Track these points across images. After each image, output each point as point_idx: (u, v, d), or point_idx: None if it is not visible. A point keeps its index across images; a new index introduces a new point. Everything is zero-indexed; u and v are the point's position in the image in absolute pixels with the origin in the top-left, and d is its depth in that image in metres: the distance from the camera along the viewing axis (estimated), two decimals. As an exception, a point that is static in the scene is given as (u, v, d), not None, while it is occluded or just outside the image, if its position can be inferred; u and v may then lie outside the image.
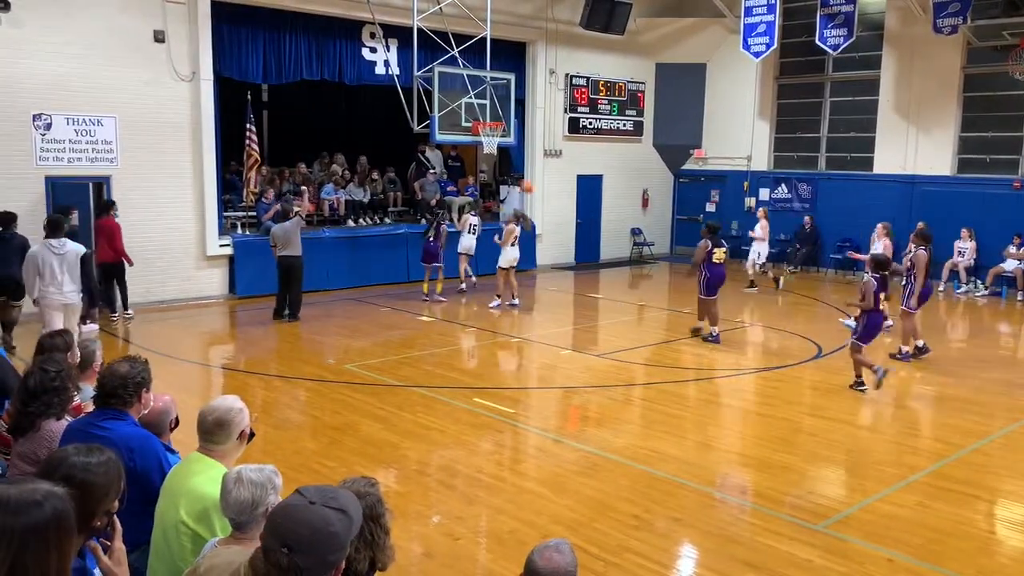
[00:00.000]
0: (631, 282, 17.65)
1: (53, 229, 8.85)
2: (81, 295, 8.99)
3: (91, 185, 12.35)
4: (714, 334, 11.19)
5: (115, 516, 2.69)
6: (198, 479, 3.29)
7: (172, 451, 4.09)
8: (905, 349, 10.40)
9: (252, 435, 3.61)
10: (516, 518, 5.64)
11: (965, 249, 16.07)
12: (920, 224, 13.30)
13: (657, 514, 5.75)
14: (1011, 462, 6.98)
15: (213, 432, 3.43)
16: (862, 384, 8.91)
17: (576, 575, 2.52)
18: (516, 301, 13.57)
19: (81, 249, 9.05)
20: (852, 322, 9.43)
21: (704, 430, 7.81)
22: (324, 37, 14.88)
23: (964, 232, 16.04)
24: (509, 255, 13.51)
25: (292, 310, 12.22)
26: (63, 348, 4.77)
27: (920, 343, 10.41)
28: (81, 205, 11.97)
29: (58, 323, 8.54)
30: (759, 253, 16.28)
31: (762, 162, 19.67)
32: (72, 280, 8.76)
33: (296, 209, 12.36)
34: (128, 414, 3.83)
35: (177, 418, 4.26)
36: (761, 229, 16.19)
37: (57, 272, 8.66)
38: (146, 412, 3.97)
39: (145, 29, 12.67)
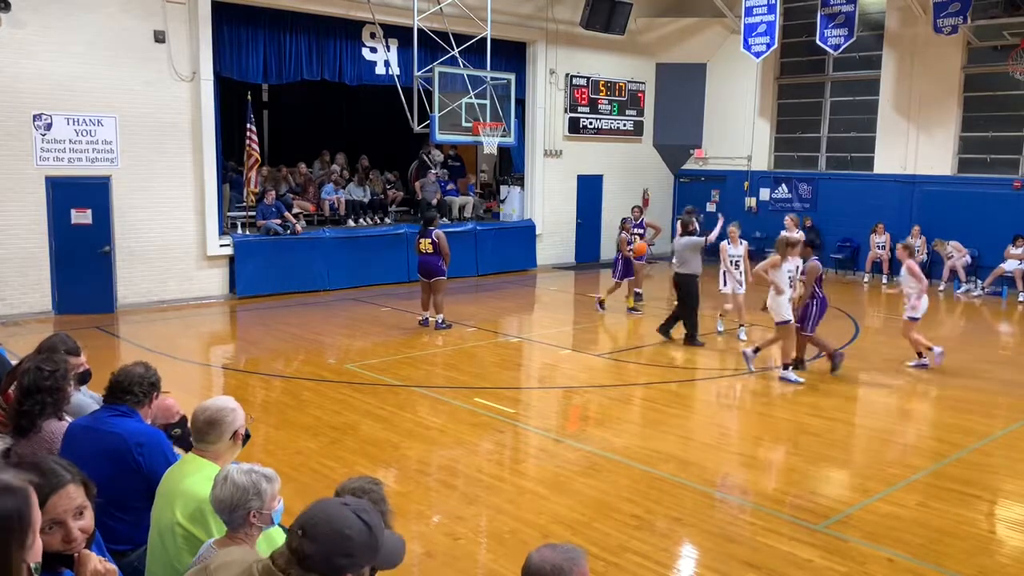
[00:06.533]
0: (631, 282, 17.60)
1: None
2: None
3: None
4: (437, 320, 11.87)
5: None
6: (192, 480, 3.29)
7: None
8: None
9: (248, 437, 3.59)
10: (516, 518, 5.65)
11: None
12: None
13: (657, 514, 5.76)
14: (1011, 462, 6.98)
15: (204, 432, 3.41)
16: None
17: (568, 569, 2.45)
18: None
19: None
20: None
21: (704, 430, 7.81)
22: (324, 37, 14.88)
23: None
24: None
25: (688, 332, 11.02)
26: (64, 350, 4.70)
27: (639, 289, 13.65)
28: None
29: None
30: None
31: (762, 162, 19.67)
32: None
33: (694, 225, 11.35)
34: (138, 413, 3.86)
35: (183, 419, 4.26)
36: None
37: None
38: (150, 421, 3.98)
39: (145, 29, 12.67)
